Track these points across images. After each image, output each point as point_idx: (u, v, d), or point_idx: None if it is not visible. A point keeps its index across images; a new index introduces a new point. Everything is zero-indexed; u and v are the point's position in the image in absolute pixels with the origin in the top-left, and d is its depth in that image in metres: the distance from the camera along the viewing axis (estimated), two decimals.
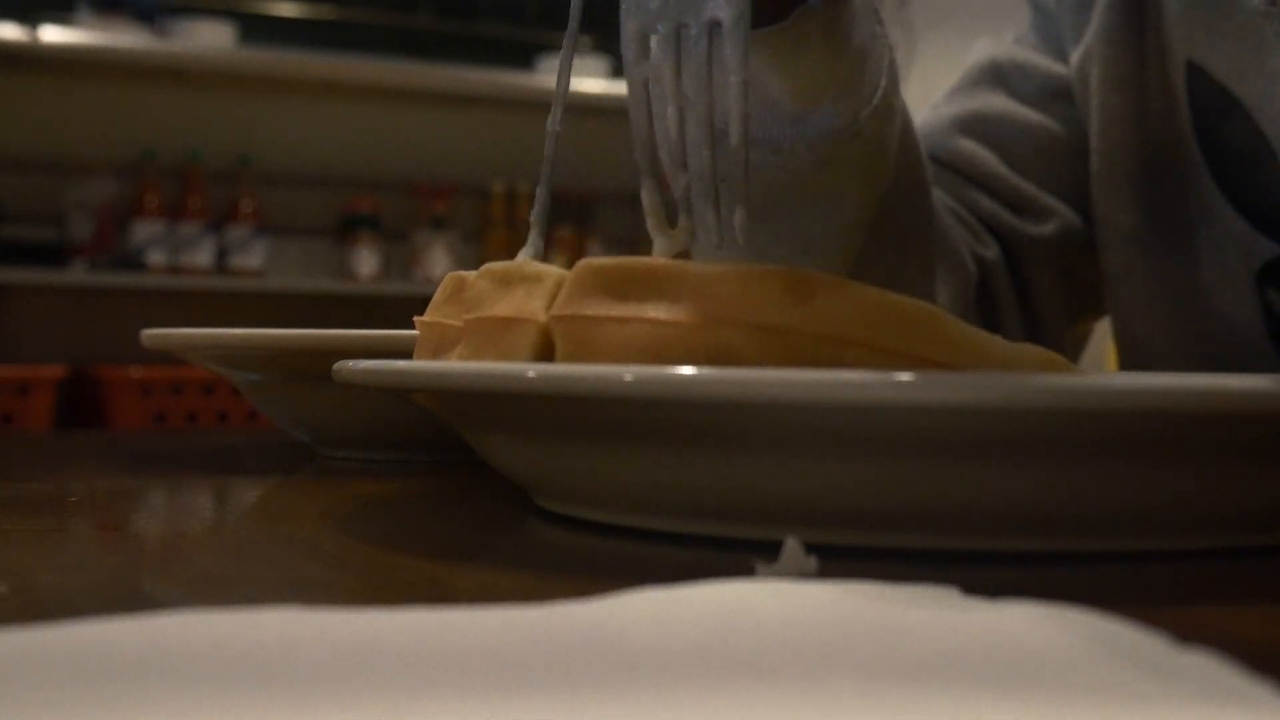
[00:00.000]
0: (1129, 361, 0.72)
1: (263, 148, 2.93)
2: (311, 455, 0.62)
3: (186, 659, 0.20)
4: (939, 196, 0.69)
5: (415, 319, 0.45)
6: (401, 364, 0.39)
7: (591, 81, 2.88)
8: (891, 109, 0.59)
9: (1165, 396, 0.30)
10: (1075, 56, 0.72)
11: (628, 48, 0.40)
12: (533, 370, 0.33)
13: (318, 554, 0.36)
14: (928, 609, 0.24)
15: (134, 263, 2.72)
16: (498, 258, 0.47)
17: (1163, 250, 0.69)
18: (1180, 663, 0.20)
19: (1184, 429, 0.32)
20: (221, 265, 2.82)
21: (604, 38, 2.86)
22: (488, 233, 3.08)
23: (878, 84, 0.57)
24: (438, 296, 0.44)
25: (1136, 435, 0.31)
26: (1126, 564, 0.33)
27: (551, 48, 3.10)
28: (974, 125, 0.73)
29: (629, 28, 0.40)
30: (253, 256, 2.84)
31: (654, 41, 0.40)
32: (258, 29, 2.92)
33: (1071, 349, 0.77)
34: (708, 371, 0.31)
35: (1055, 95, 0.74)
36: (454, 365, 0.38)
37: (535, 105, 3.03)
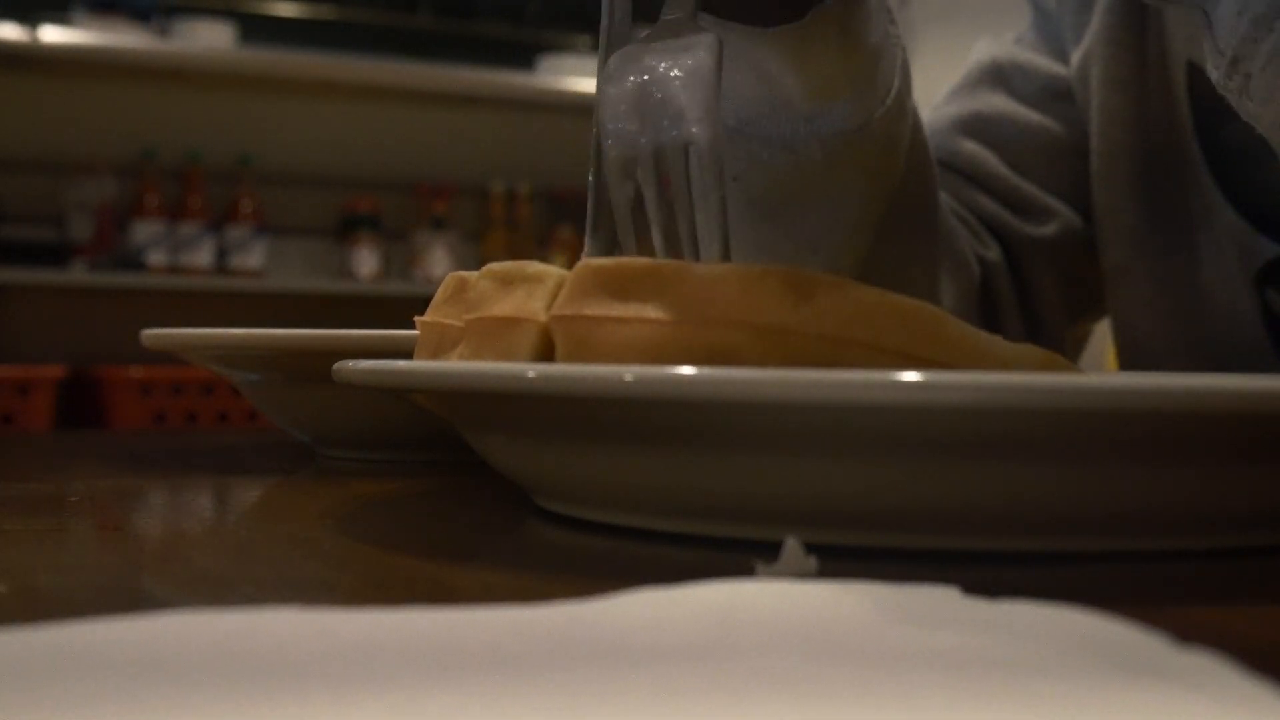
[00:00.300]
0: (1129, 361, 0.72)
1: (263, 148, 2.93)
2: (311, 455, 0.62)
3: (186, 659, 0.20)
4: (942, 197, 0.69)
5: (415, 319, 0.45)
6: (401, 364, 0.39)
7: (592, 81, 2.88)
8: (904, 109, 0.59)
9: (1165, 396, 0.30)
10: (1076, 57, 0.72)
11: (611, 173, 0.43)
12: (533, 370, 0.33)
13: (318, 554, 0.36)
14: (928, 609, 0.24)
15: (134, 263, 2.72)
16: (498, 258, 0.48)
17: (1163, 250, 0.69)
18: (1180, 663, 0.20)
19: (1184, 429, 0.32)
20: (221, 265, 2.82)
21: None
22: (488, 233, 3.08)
23: (891, 83, 0.57)
24: (438, 296, 0.44)
25: (1136, 435, 0.31)
26: (1126, 564, 0.33)
27: (551, 48, 3.10)
28: (975, 125, 0.73)
29: (611, 155, 0.43)
30: (253, 256, 2.84)
31: (636, 166, 0.42)
32: (258, 29, 2.92)
33: (1071, 349, 0.77)
34: (708, 371, 0.31)
35: (1056, 95, 0.74)
36: (454, 365, 0.38)
37: (535, 105, 3.04)
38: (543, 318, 0.37)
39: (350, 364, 0.41)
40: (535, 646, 0.21)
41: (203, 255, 2.78)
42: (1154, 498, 0.33)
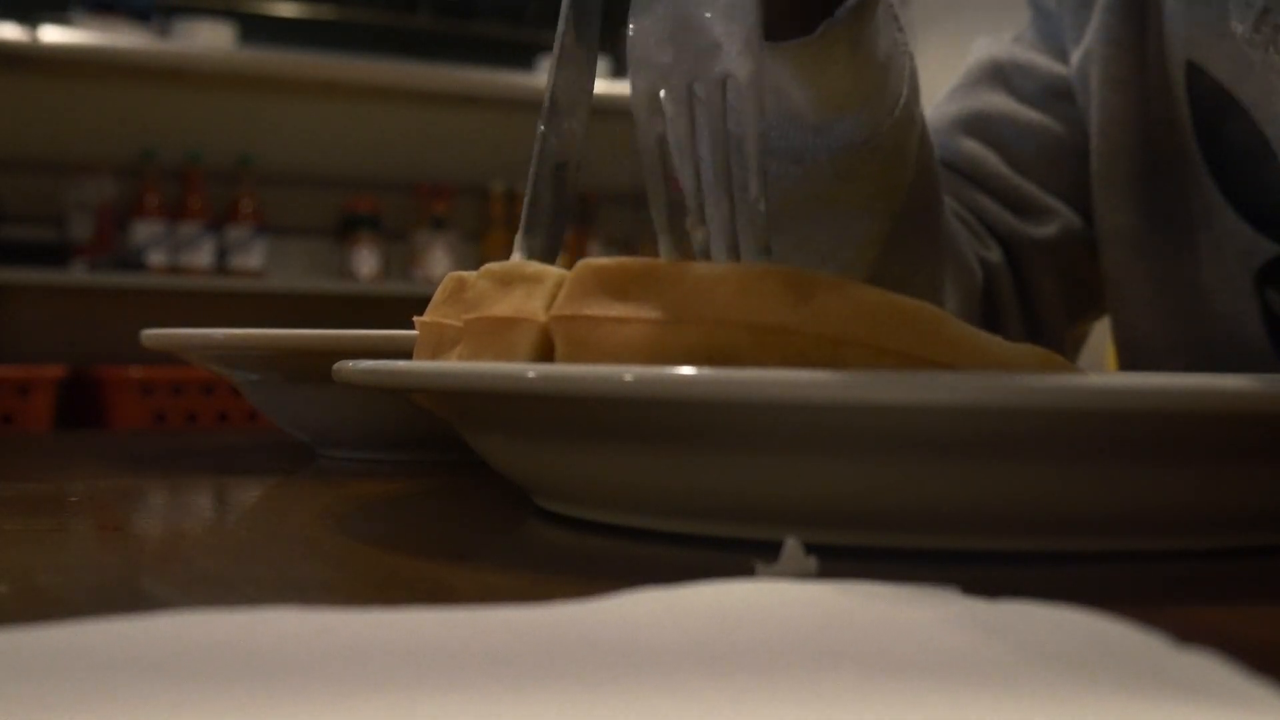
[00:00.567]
0: (1129, 361, 0.72)
1: (263, 148, 2.93)
2: (311, 455, 0.62)
3: (186, 659, 0.20)
4: (945, 200, 0.69)
5: (415, 319, 0.45)
6: (401, 364, 0.39)
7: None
8: (912, 119, 0.59)
9: (1165, 396, 0.30)
10: (1076, 56, 0.72)
11: (638, 106, 0.39)
12: (533, 370, 0.33)
13: (318, 554, 0.36)
14: (928, 609, 0.24)
15: (134, 263, 2.72)
16: (497, 258, 0.47)
17: (1162, 250, 0.69)
18: (1180, 663, 0.20)
19: (1184, 429, 0.32)
20: (221, 265, 2.82)
21: (604, 38, 2.86)
22: (487, 233, 3.08)
23: (900, 93, 0.57)
24: (438, 296, 0.44)
25: (1136, 435, 0.31)
26: (1126, 564, 0.33)
27: (551, 48, 3.10)
28: (975, 125, 0.73)
29: (639, 86, 0.39)
30: (253, 256, 2.84)
31: (666, 100, 0.39)
32: (258, 29, 2.92)
33: (1071, 349, 0.77)
34: (708, 371, 0.31)
35: (1056, 95, 0.74)
36: (454, 365, 0.38)
37: (535, 105, 3.03)
38: (542, 317, 0.37)
39: (350, 364, 0.41)
40: (535, 646, 0.21)
41: (203, 255, 2.78)
42: (1154, 498, 0.33)
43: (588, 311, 0.36)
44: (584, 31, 0.46)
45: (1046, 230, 0.72)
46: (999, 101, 0.74)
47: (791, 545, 0.28)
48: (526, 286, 0.39)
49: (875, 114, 0.56)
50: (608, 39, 0.48)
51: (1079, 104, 0.73)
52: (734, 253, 0.38)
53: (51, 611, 0.27)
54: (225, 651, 0.21)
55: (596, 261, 0.37)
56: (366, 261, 2.95)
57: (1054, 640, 0.22)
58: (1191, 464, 0.32)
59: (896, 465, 0.32)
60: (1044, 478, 0.32)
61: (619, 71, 2.77)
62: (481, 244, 3.07)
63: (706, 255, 0.39)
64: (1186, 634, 0.21)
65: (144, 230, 2.74)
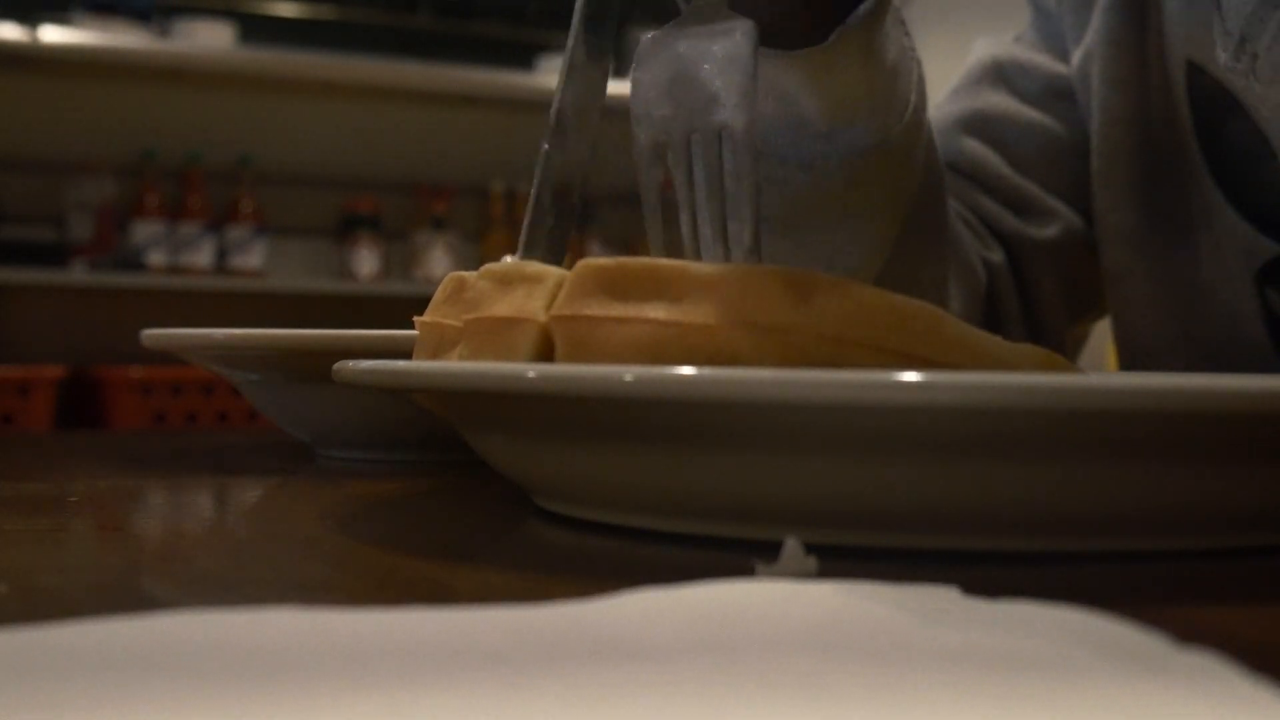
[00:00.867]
0: (1129, 361, 0.72)
1: (263, 148, 2.93)
2: (311, 455, 0.62)
3: (186, 659, 0.20)
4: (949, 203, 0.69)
5: (415, 319, 0.45)
6: (401, 364, 0.39)
7: None
8: (920, 124, 0.59)
9: (1165, 396, 0.30)
10: (1076, 56, 0.72)
11: (641, 157, 0.41)
12: (533, 370, 0.33)
13: (318, 554, 0.36)
14: (928, 609, 0.24)
15: (134, 263, 2.72)
16: (497, 258, 0.47)
17: (1163, 250, 0.69)
18: (1180, 663, 0.20)
19: (1184, 429, 0.32)
20: (221, 265, 2.82)
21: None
22: (487, 233, 3.08)
23: (908, 99, 0.57)
24: (438, 297, 0.44)
25: (1136, 435, 0.31)
26: (1126, 564, 0.33)
27: (551, 48, 3.10)
28: (976, 124, 0.73)
29: (641, 139, 0.42)
30: (253, 256, 2.84)
31: (668, 152, 0.41)
32: (258, 29, 2.92)
33: (1071, 349, 0.77)
34: (708, 371, 0.31)
35: (1057, 95, 0.74)
36: (454, 365, 0.38)
37: (535, 105, 3.03)
38: (542, 318, 0.37)
39: (350, 364, 0.41)
40: (535, 646, 0.21)
41: (203, 255, 2.78)
42: (1154, 498, 0.33)
43: (588, 311, 0.36)
44: (595, 47, 0.47)
45: (1048, 231, 0.72)
46: (1000, 101, 0.74)
47: (791, 545, 0.28)
48: (526, 286, 0.39)
49: (884, 120, 0.56)
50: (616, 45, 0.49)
51: (1080, 104, 0.73)
52: None
53: (51, 611, 0.27)
54: (225, 651, 0.21)
55: (596, 261, 0.37)
56: (366, 261, 2.95)
57: (1054, 640, 0.22)
58: (1191, 464, 0.32)
59: (896, 465, 0.32)
60: (1044, 478, 0.32)
61: (619, 71, 2.77)
62: (481, 244, 3.07)
63: None
64: (1186, 634, 0.21)
65: (144, 230, 2.74)
